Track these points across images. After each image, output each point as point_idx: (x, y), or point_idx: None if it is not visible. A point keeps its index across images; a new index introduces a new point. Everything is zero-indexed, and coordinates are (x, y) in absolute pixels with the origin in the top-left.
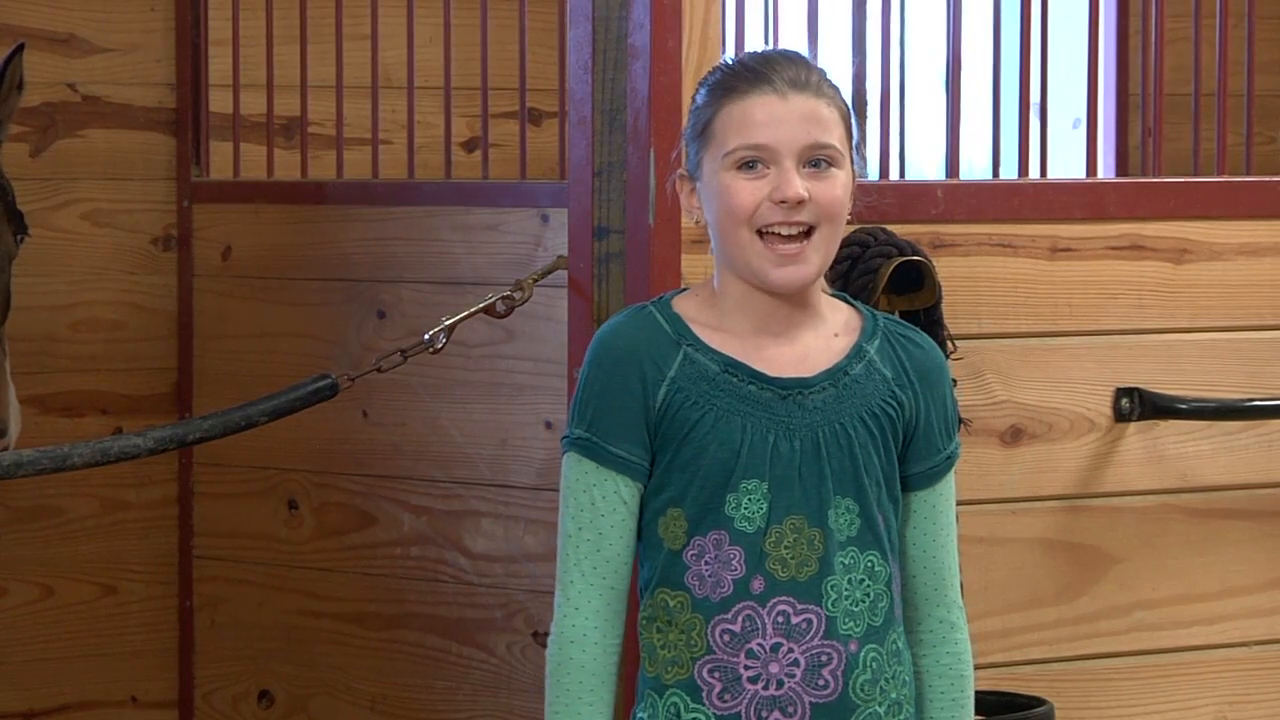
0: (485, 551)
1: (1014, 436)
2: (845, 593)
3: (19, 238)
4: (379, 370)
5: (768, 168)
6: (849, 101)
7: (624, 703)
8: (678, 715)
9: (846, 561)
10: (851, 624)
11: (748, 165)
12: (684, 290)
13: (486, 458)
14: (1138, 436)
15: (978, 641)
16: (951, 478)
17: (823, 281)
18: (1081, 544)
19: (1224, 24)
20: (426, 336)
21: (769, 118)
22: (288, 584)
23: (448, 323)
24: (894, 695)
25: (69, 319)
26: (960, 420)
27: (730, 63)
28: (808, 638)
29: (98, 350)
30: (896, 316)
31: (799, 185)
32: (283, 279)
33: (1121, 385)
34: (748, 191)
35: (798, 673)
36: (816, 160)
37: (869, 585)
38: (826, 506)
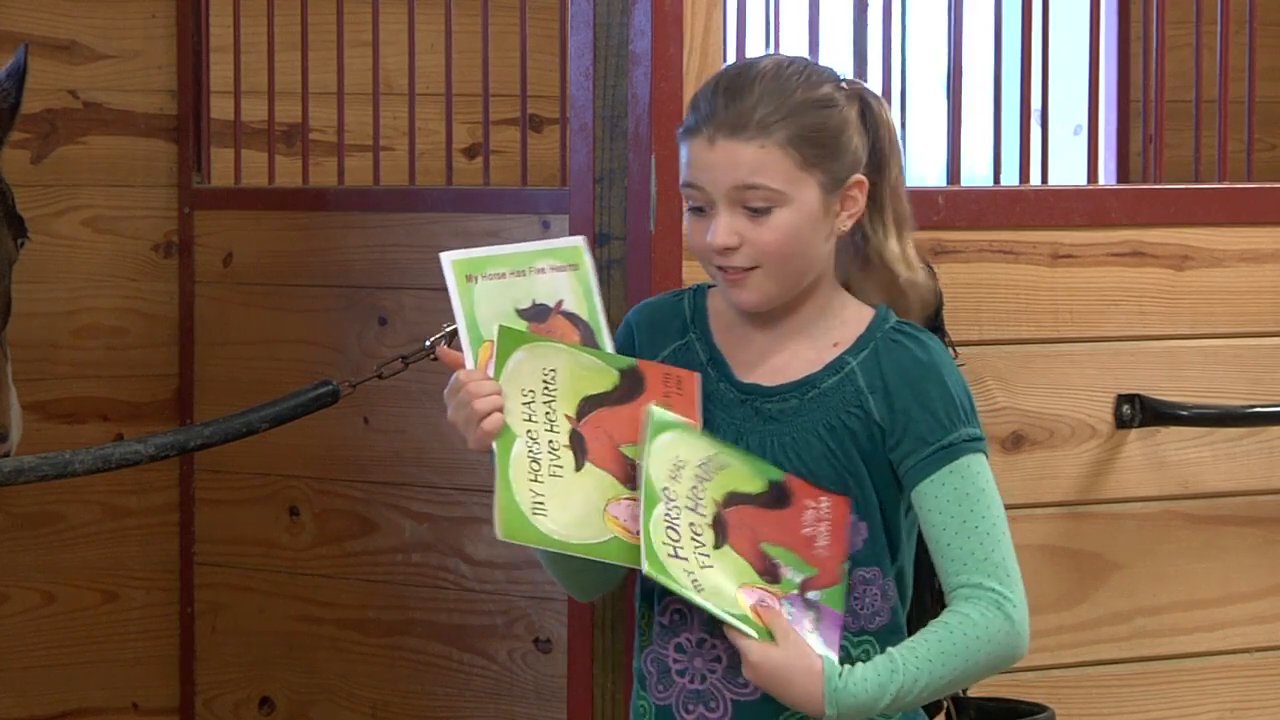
0: (487, 558)
1: (1015, 443)
2: None
3: (19, 242)
4: (380, 377)
5: (710, 209)
6: (826, 123)
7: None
8: (637, 697)
9: None
10: None
11: (696, 206)
12: None
13: (488, 464)
14: (1139, 443)
15: None
16: (962, 470)
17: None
18: (1083, 550)
19: (1225, 30)
20: (428, 343)
21: (700, 162)
22: (289, 590)
23: (449, 329)
24: None
25: (70, 325)
26: None
27: (701, 90)
28: None
29: (99, 357)
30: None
31: (724, 233)
32: (284, 285)
33: (1123, 392)
34: (697, 233)
35: (719, 669)
36: (748, 203)
37: None
38: None
